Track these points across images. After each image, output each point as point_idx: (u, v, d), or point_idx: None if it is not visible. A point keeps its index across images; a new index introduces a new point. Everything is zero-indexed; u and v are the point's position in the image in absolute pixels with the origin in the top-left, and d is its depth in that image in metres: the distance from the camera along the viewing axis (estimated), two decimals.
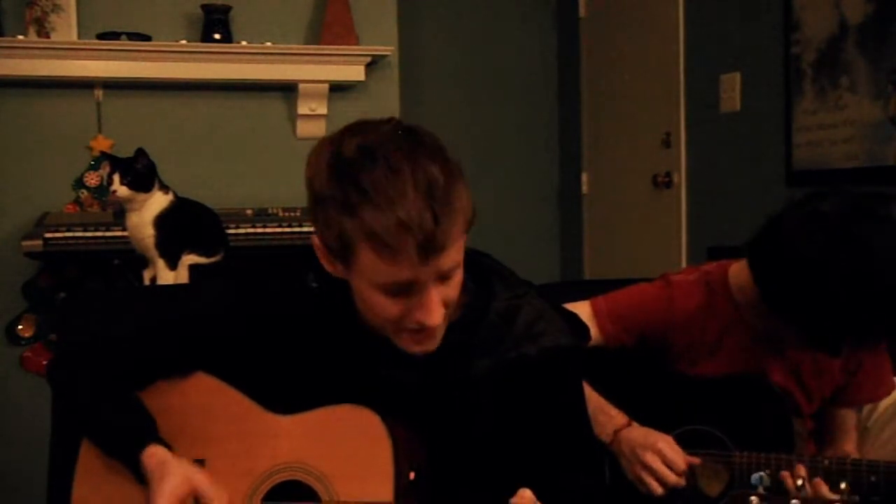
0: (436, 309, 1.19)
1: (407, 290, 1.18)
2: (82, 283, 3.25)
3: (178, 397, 1.37)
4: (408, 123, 1.22)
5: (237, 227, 3.15)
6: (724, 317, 1.76)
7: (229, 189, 3.44)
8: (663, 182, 4.13)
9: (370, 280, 1.18)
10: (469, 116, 4.86)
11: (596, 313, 1.79)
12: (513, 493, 1.16)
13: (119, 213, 2.89)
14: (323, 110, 3.53)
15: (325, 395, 1.30)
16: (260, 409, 1.34)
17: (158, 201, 2.55)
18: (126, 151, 2.61)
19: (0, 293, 3.26)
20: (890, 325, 1.57)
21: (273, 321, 1.35)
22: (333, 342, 1.33)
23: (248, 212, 3.31)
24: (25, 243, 3.02)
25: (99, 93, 3.36)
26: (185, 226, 2.59)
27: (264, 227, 3.23)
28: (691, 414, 1.72)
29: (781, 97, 3.40)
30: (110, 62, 3.24)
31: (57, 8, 3.22)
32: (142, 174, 2.52)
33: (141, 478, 1.30)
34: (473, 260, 1.30)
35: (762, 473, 1.37)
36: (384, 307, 1.20)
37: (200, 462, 1.33)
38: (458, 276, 1.22)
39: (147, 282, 2.61)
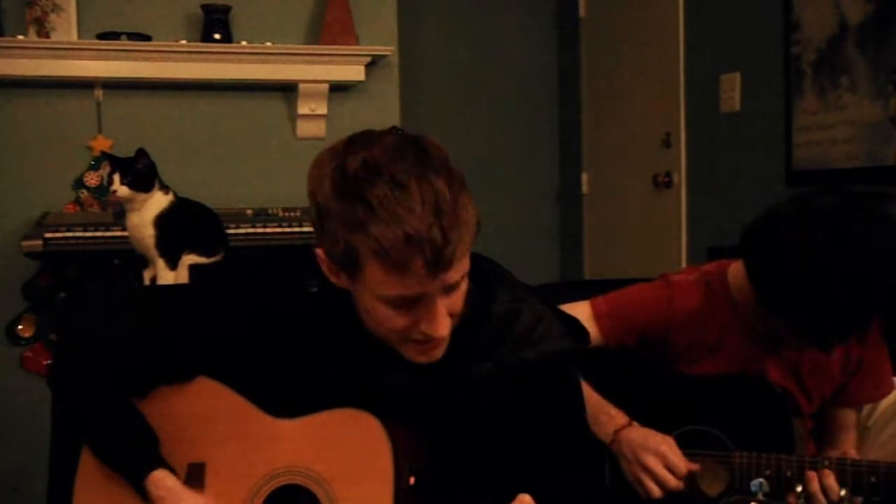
0: (442, 321, 1.19)
1: (413, 304, 1.18)
2: (82, 283, 3.25)
3: (178, 400, 1.37)
4: (411, 135, 1.21)
5: (237, 227, 3.15)
6: (723, 317, 1.76)
7: (229, 189, 3.44)
8: (663, 182, 4.13)
9: (376, 293, 1.18)
10: (469, 116, 4.85)
11: (596, 313, 1.79)
12: (512, 496, 1.16)
13: (119, 213, 2.89)
14: (323, 110, 3.53)
15: (326, 399, 1.30)
16: (260, 412, 1.34)
17: (158, 201, 2.55)
18: (126, 151, 2.61)
19: (0, 293, 3.26)
20: (886, 320, 1.57)
21: (274, 323, 1.35)
22: (334, 345, 1.33)
23: (248, 212, 3.31)
24: (25, 243, 3.02)
25: (99, 93, 3.36)
26: (185, 226, 2.59)
27: (264, 227, 3.23)
28: (691, 414, 1.72)
29: (781, 97, 3.40)
30: (110, 62, 3.24)
31: (57, 8, 3.22)
32: (142, 174, 2.52)
33: (144, 496, 1.30)
34: (474, 263, 1.29)
35: (761, 480, 1.37)
36: (390, 319, 1.20)
37: (200, 465, 1.33)
38: (464, 286, 1.22)
39: (147, 282, 2.61)
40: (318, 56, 3.43)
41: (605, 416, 1.70)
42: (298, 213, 3.29)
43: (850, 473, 1.60)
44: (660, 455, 1.64)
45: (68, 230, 3.05)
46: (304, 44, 3.52)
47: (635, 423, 1.70)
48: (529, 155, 5.02)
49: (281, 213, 3.31)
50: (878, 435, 1.87)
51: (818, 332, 1.59)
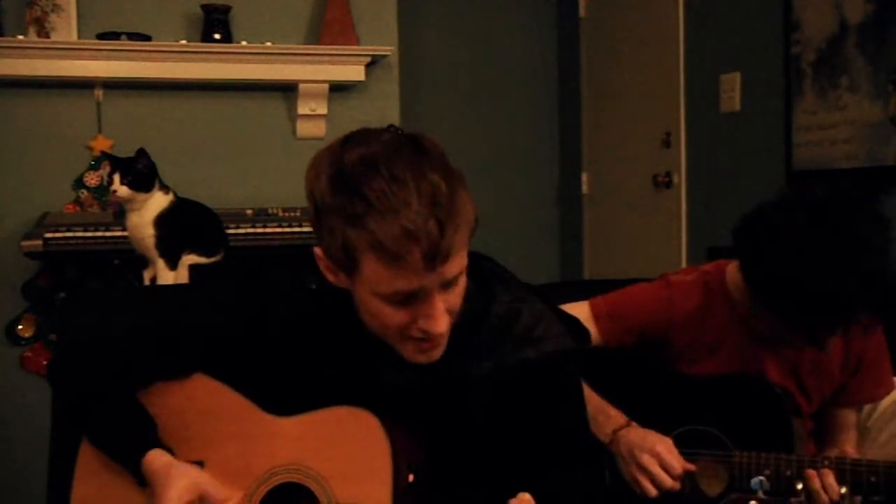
0: (441, 317, 1.19)
1: (412, 300, 1.18)
2: (82, 283, 3.25)
3: (177, 398, 1.37)
4: (409, 132, 1.22)
5: (237, 227, 3.15)
6: (722, 316, 1.76)
7: (229, 189, 3.44)
8: (663, 182, 4.13)
9: (374, 290, 1.18)
10: (469, 116, 4.85)
11: (595, 313, 1.79)
12: (511, 495, 1.16)
13: (119, 213, 2.89)
14: (323, 110, 3.53)
15: (325, 397, 1.30)
16: (259, 410, 1.34)
17: (158, 201, 2.55)
18: (126, 151, 2.61)
19: (0, 293, 3.26)
20: (871, 310, 1.57)
21: (273, 322, 1.35)
22: (333, 343, 1.33)
23: (248, 212, 3.31)
24: (25, 243, 3.02)
25: (99, 93, 3.36)
26: (185, 226, 2.59)
27: (264, 227, 3.23)
28: (690, 414, 1.72)
29: (781, 97, 3.40)
30: (110, 62, 3.24)
31: (57, 8, 3.22)
32: (142, 174, 2.52)
33: (141, 481, 1.30)
34: (474, 262, 1.30)
35: (762, 478, 1.37)
36: (388, 316, 1.20)
37: (199, 463, 1.33)
38: (462, 283, 1.22)
39: (147, 282, 2.61)
40: (318, 56, 3.43)
41: (603, 416, 1.70)
42: (298, 214, 3.29)
43: (849, 472, 1.60)
44: (656, 455, 1.64)
45: (68, 230, 3.05)
46: (304, 44, 3.52)
47: (634, 424, 1.70)
48: (529, 155, 5.02)
49: (281, 213, 3.31)
50: (878, 435, 1.87)
51: (804, 321, 1.59)
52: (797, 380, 1.77)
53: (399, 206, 1.11)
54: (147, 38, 3.29)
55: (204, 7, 3.37)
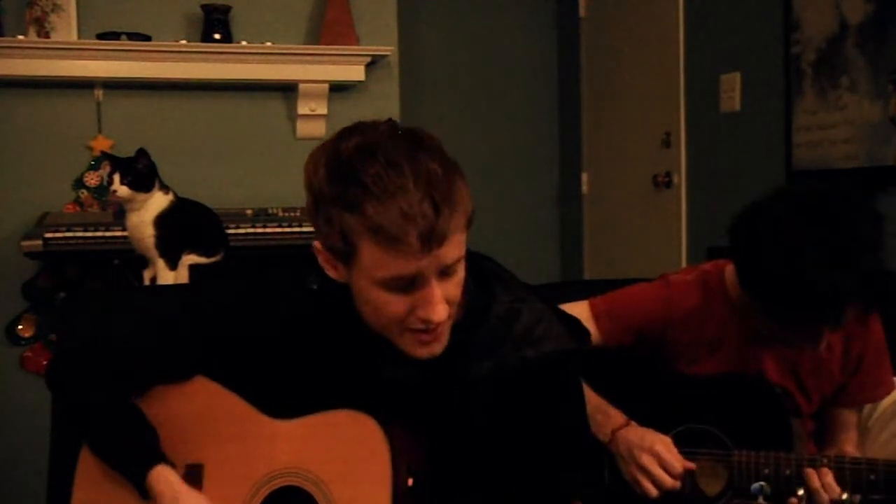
0: (439, 304, 1.19)
1: (410, 286, 1.18)
2: (82, 283, 3.25)
3: (176, 401, 1.36)
4: (405, 125, 1.23)
5: (237, 227, 3.15)
6: (721, 315, 1.76)
7: (229, 189, 3.44)
8: (663, 182, 4.13)
9: (373, 277, 1.18)
10: (469, 116, 4.85)
11: (595, 313, 1.79)
12: (511, 496, 1.16)
13: (119, 213, 2.89)
14: (323, 110, 3.53)
15: (325, 397, 1.30)
16: (258, 413, 1.34)
17: (158, 201, 2.55)
18: (126, 151, 2.61)
19: (0, 293, 3.26)
20: (864, 308, 1.58)
21: (273, 322, 1.35)
22: (334, 343, 1.33)
23: (248, 212, 3.31)
24: (25, 243, 3.02)
25: (99, 93, 3.36)
26: (185, 226, 2.59)
27: (264, 227, 3.23)
28: (690, 413, 1.72)
29: (781, 97, 3.40)
30: (110, 62, 3.24)
31: (57, 8, 3.22)
32: (142, 174, 2.52)
33: (144, 494, 1.30)
34: (474, 262, 1.30)
35: (762, 483, 1.37)
36: (388, 304, 1.20)
37: (198, 466, 1.33)
38: (460, 274, 1.23)
39: (147, 282, 2.61)
40: (318, 56, 3.43)
41: (602, 416, 1.70)
42: (298, 213, 3.29)
43: (848, 471, 1.60)
44: (655, 454, 1.64)
45: (68, 230, 3.05)
46: (304, 44, 3.52)
47: (633, 423, 1.70)
48: (529, 155, 5.02)
49: (281, 213, 3.31)
50: (878, 435, 1.87)
51: (796, 318, 1.59)
52: (797, 379, 1.77)
53: (395, 189, 1.12)
54: (147, 38, 3.29)
55: (204, 7, 3.37)
